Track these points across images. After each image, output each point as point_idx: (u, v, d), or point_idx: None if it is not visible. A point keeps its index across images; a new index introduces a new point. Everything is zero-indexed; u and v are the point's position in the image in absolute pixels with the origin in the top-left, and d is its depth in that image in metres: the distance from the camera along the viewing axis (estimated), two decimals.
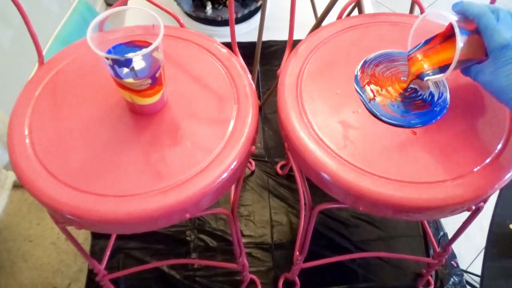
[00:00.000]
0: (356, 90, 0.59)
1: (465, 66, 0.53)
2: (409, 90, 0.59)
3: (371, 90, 0.59)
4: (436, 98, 0.58)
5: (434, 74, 0.55)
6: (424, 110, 0.57)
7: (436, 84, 0.60)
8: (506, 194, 0.71)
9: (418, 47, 0.57)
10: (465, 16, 0.51)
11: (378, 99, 0.58)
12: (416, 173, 0.51)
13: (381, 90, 0.59)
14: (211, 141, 0.54)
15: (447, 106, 0.57)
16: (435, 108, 0.57)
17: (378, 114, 0.56)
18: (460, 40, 0.49)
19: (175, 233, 1.01)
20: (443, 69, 0.54)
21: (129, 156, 0.53)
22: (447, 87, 0.60)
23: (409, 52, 0.58)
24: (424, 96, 0.58)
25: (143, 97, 0.53)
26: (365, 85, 0.60)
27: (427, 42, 0.56)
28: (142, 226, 0.52)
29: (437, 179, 0.50)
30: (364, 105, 0.58)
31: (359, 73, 0.61)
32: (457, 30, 0.49)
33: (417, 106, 0.57)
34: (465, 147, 0.53)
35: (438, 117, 0.56)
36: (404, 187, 0.50)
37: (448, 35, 0.54)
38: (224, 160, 0.52)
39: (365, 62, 0.62)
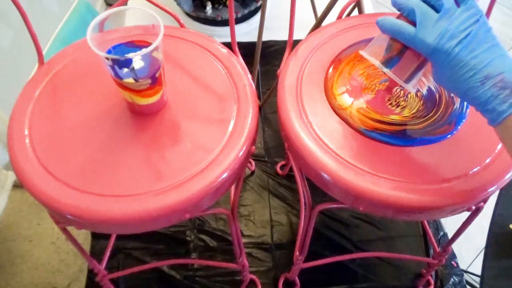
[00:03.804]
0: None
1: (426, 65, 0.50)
2: (436, 123, 0.54)
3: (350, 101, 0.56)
4: (464, 107, 0.55)
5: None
6: (443, 135, 0.53)
7: None
8: (506, 194, 0.71)
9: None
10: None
11: (353, 111, 0.56)
12: (416, 173, 0.51)
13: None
14: (211, 141, 0.54)
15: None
16: (459, 127, 0.53)
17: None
18: (401, 81, 0.48)
19: (175, 233, 1.01)
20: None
21: (129, 156, 0.53)
22: None
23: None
24: (456, 111, 0.54)
25: (143, 97, 0.53)
26: (342, 94, 0.57)
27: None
28: (142, 226, 0.52)
29: (437, 179, 0.50)
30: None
31: (331, 72, 0.59)
32: (391, 75, 0.48)
33: (439, 132, 0.53)
34: (464, 146, 0.53)
35: (455, 132, 0.53)
36: (404, 187, 0.50)
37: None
38: (224, 160, 0.52)
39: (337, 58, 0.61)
